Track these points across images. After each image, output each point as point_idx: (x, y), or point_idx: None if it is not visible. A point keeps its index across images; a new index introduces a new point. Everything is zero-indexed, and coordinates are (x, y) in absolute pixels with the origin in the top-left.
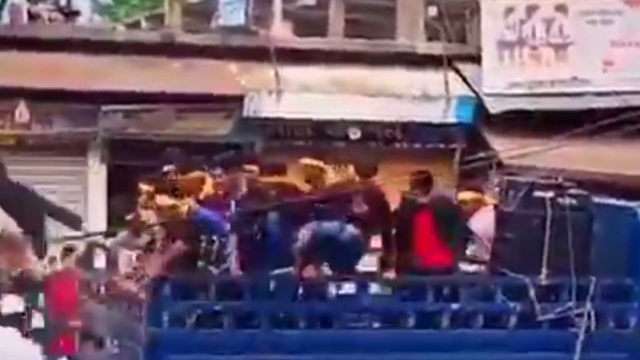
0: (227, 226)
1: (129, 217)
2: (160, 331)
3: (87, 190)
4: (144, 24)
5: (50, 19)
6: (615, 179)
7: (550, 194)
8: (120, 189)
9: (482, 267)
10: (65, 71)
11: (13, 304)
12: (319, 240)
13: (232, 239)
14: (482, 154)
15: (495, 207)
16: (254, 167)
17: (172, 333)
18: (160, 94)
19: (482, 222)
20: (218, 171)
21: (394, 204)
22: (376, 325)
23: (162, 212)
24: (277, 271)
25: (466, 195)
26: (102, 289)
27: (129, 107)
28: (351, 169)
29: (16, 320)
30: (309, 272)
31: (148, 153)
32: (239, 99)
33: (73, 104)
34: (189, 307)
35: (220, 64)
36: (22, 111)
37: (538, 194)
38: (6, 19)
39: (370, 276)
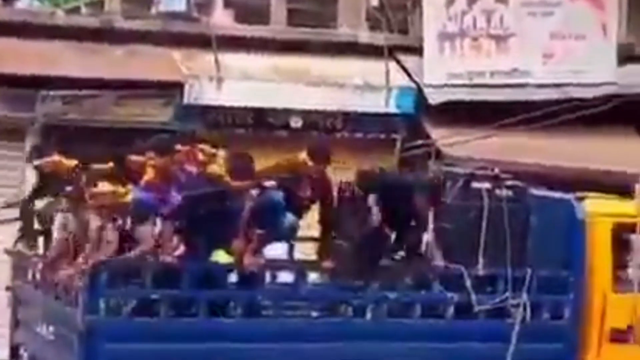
0: (165, 209)
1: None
2: (97, 319)
3: (25, 175)
4: (83, 9)
5: None
6: (551, 170)
7: (487, 185)
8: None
9: None
10: (3, 55)
11: None
12: (258, 206)
13: (170, 223)
14: (419, 142)
15: None
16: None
17: (109, 321)
18: (101, 80)
19: None
20: (151, 154)
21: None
22: (314, 314)
23: (102, 199)
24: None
25: None
26: (38, 275)
27: (68, 92)
28: (303, 153)
29: None
30: (249, 260)
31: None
32: (180, 86)
33: (12, 88)
34: (126, 295)
35: (161, 50)
36: None
37: (475, 185)
38: None
39: (309, 265)
